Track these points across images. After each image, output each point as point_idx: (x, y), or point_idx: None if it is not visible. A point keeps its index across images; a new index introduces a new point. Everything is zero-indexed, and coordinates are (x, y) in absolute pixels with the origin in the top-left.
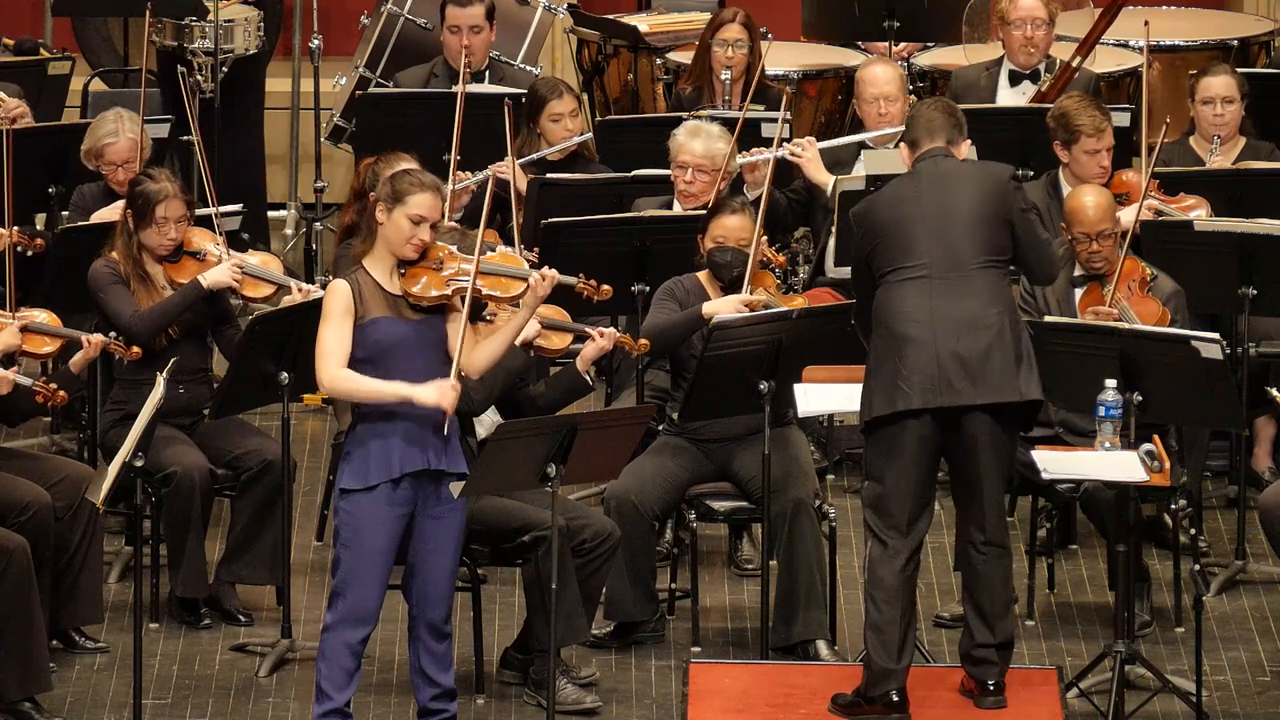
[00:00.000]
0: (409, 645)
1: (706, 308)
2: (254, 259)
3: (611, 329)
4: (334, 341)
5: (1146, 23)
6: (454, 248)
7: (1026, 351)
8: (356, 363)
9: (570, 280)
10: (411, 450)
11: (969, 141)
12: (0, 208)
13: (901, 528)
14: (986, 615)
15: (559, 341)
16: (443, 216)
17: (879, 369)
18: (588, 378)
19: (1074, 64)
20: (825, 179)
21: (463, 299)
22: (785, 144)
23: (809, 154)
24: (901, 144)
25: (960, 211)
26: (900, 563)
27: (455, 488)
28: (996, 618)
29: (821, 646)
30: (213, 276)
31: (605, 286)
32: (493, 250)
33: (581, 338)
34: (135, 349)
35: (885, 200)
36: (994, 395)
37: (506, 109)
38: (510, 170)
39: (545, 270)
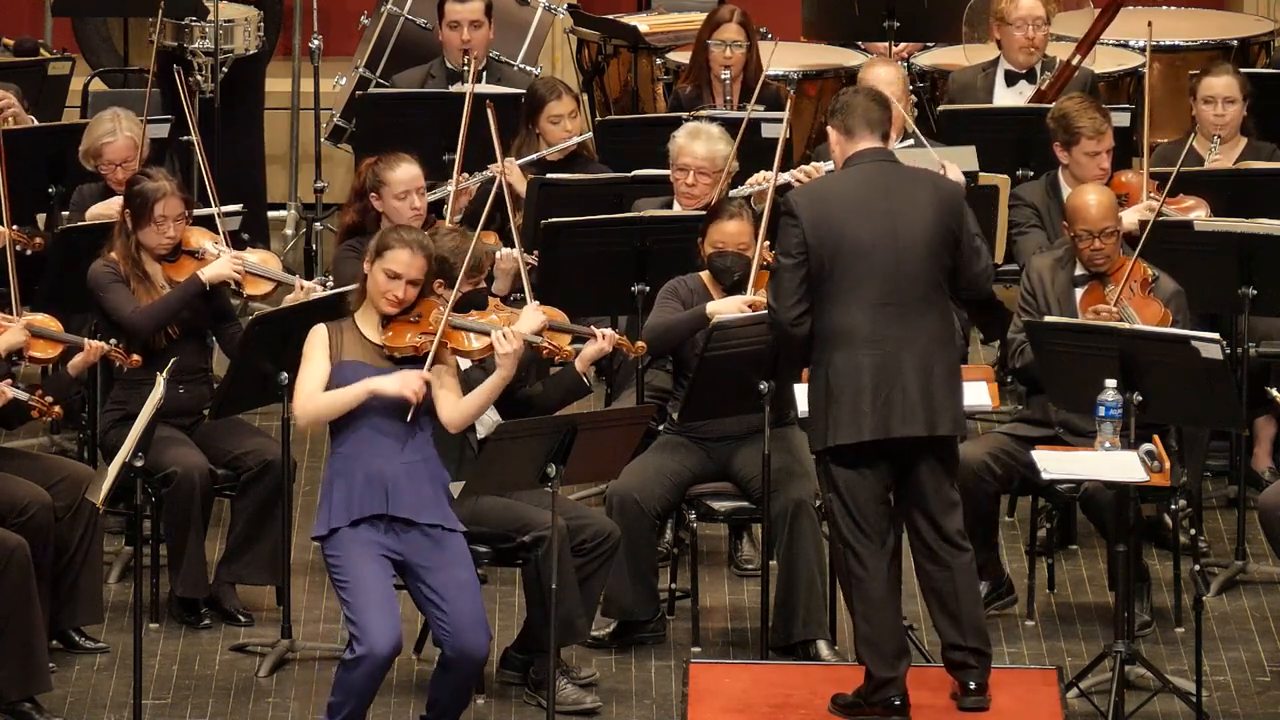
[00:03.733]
0: (439, 680)
1: (710, 307)
2: (254, 257)
3: (611, 330)
4: (308, 378)
5: (1150, 23)
6: (443, 306)
7: (960, 380)
8: None
9: (535, 339)
10: (370, 494)
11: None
12: None
13: (876, 539)
14: (953, 615)
15: (558, 342)
16: (436, 273)
17: (839, 394)
18: (586, 379)
19: (1073, 63)
20: None
21: (432, 353)
22: (791, 170)
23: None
24: (830, 127)
25: (916, 236)
26: (884, 574)
27: (455, 488)
28: (964, 617)
29: (822, 646)
30: (213, 270)
31: (568, 349)
32: (480, 304)
33: (581, 339)
34: (135, 356)
35: (835, 210)
36: (938, 428)
37: (489, 110)
38: (508, 172)
39: (510, 330)
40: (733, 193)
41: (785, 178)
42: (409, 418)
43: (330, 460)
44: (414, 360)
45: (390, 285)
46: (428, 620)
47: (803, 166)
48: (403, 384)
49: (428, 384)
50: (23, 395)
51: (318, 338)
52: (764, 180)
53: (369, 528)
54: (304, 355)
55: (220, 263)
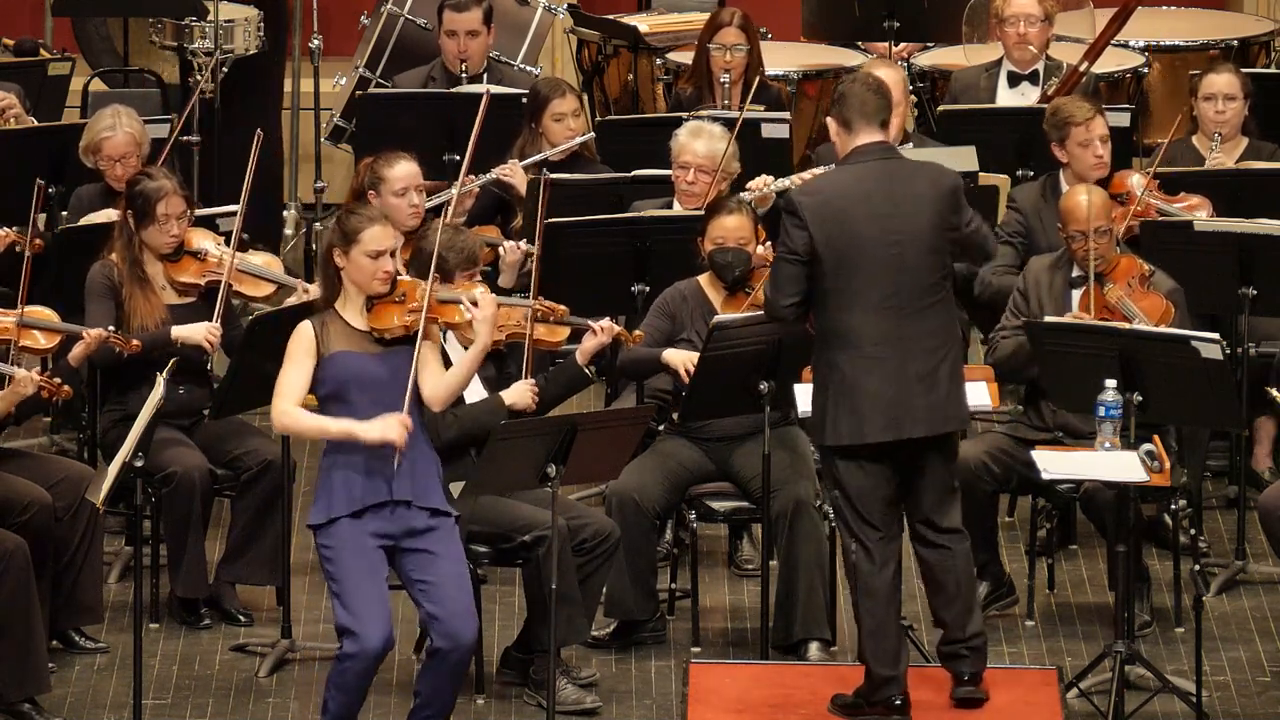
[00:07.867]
0: (429, 671)
1: (665, 356)
2: (256, 259)
3: (609, 322)
4: (289, 381)
5: None
6: (423, 283)
7: (962, 377)
8: (321, 400)
9: (522, 302)
10: (373, 481)
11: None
12: None
13: (884, 533)
14: (953, 604)
15: (556, 335)
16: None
17: (842, 393)
18: (588, 371)
19: (1081, 68)
20: None
21: (421, 330)
22: (790, 176)
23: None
24: (829, 119)
25: (918, 234)
26: (891, 569)
27: (455, 488)
28: (964, 604)
29: (812, 648)
30: (187, 331)
31: (561, 307)
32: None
33: (580, 332)
34: (135, 342)
35: (838, 209)
36: (946, 426)
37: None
38: (512, 173)
39: (479, 294)
40: (745, 194)
41: (785, 183)
42: (395, 465)
43: (328, 447)
44: (405, 340)
45: (377, 265)
46: (416, 605)
47: (801, 174)
48: (384, 430)
49: (408, 426)
50: (26, 374)
51: (303, 338)
52: (765, 185)
53: (369, 516)
54: (287, 354)
55: (196, 328)
